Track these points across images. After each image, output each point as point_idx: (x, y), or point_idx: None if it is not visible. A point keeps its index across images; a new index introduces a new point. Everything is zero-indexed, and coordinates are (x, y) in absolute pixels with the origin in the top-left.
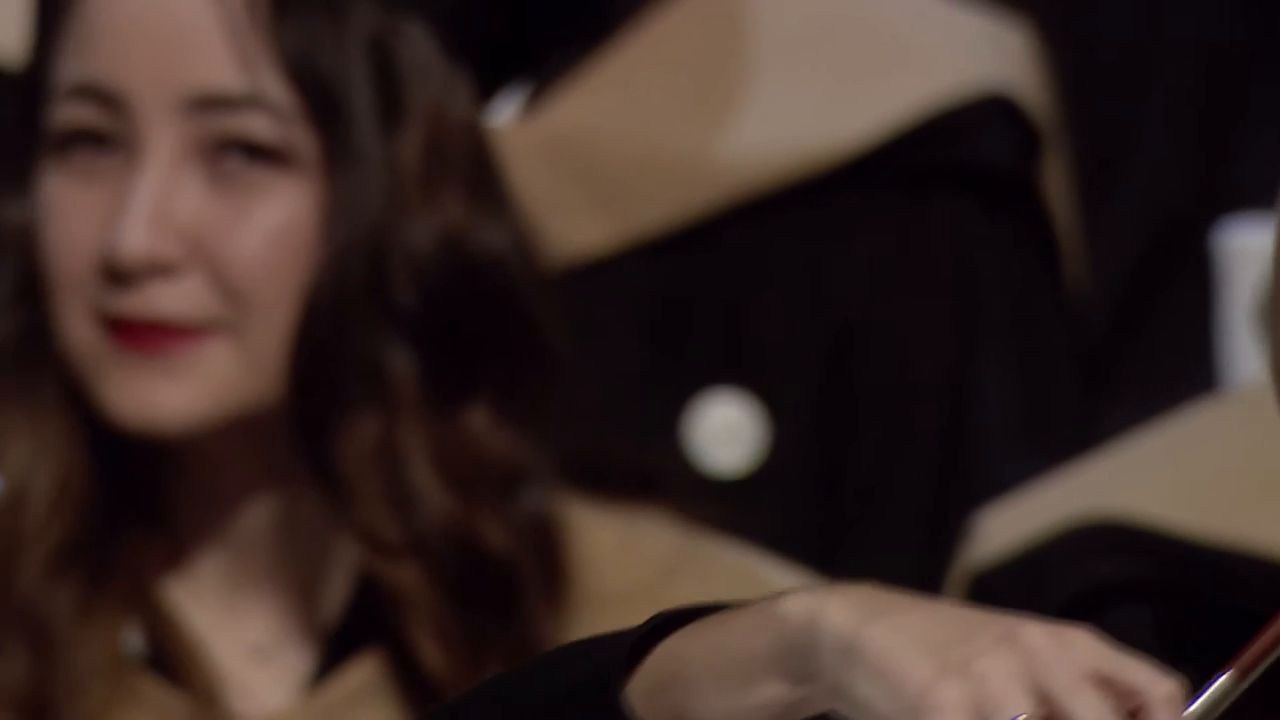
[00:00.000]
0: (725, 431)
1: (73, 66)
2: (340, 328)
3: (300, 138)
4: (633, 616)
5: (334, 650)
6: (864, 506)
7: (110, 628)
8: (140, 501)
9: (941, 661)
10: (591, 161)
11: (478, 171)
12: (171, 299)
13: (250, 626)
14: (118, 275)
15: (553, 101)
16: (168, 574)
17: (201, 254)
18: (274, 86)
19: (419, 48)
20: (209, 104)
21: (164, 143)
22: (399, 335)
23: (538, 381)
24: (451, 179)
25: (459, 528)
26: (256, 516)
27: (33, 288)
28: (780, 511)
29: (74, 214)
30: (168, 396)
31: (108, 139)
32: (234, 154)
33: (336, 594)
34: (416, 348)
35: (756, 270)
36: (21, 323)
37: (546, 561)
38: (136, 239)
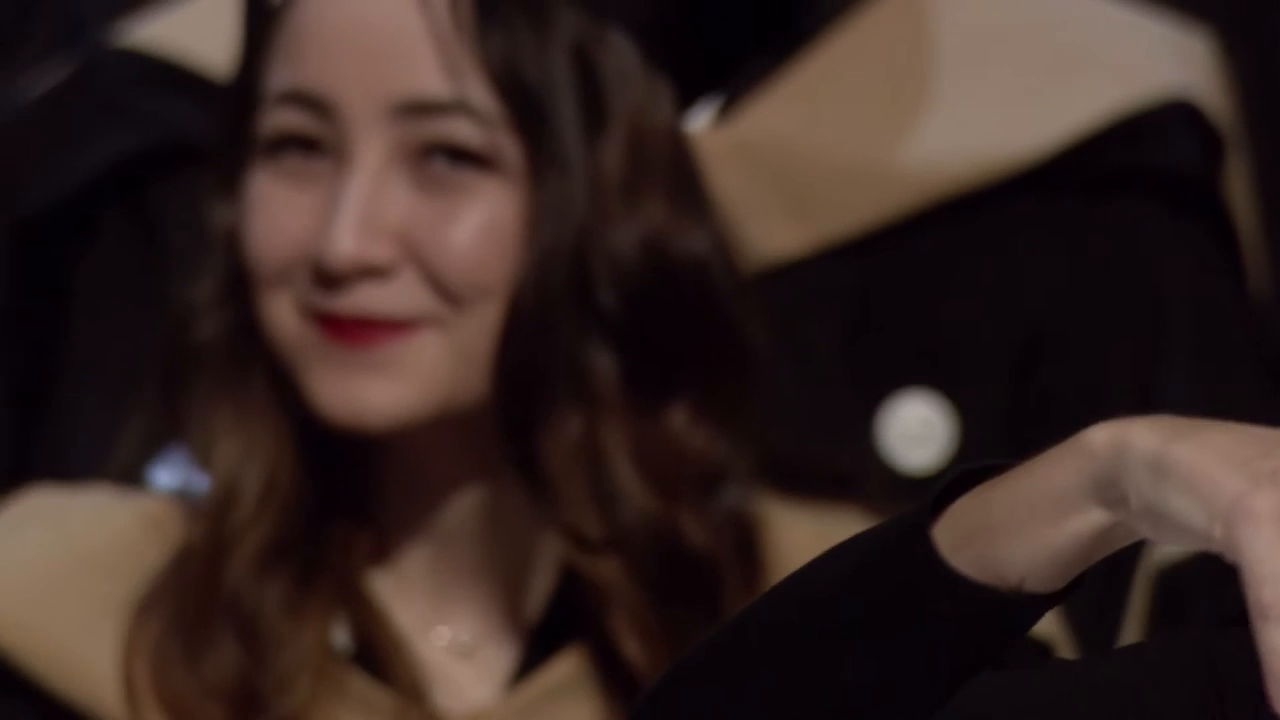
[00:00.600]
0: (916, 431)
1: (282, 74)
2: (545, 328)
3: (504, 143)
4: None
5: (537, 646)
6: None
7: (318, 623)
8: (347, 496)
9: (1252, 471)
10: (784, 167)
11: (678, 176)
12: (381, 298)
13: (455, 622)
14: (328, 277)
15: (746, 109)
16: (373, 569)
17: (411, 253)
18: (479, 93)
19: (621, 55)
20: (416, 110)
21: (372, 147)
22: (602, 336)
23: (736, 381)
24: (653, 184)
25: (660, 524)
26: (461, 512)
27: (239, 289)
28: None
29: (283, 213)
30: (377, 392)
31: (317, 143)
32: (439, 157)
33: (539, 589)
34: (619, 348)
35: (945, 273)
36: (229, 323)
37: (745, 557)
38: (347, 243)
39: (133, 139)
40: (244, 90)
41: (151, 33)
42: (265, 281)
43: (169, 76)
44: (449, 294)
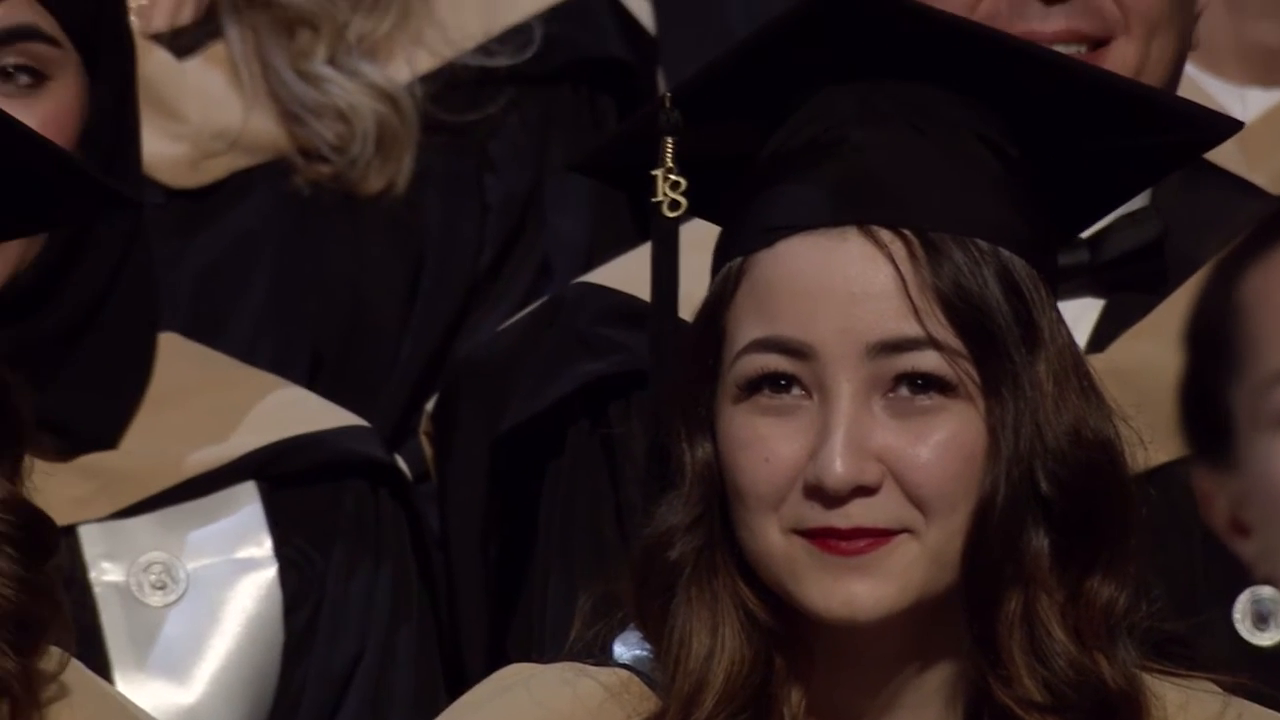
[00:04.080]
0: (1264, 615)
1: (758, 323)
2: (1007, 529)
3: (963, 368)
4: None
5: None
6: None
7: None
8: (784, 668)
9: None
10: (1148, 389)
11: (1079, 372)
12: (869, 511)
13: None
14: (825, 496)
15: (1117, 340)
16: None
17: (891, 472)
18: (939, 327)
19: (1027, 273)
20: (888, 349)
21: (850, 382)
22: (1038, 521)
23: (1131, 540)
24: (1069, 382)
25: (1088, 673)
26: (887, 674)
27: (711, 511)
28: None
29: (771, 447)
30: (865, 592)
31: (793, 381)
32: (905, 384)
33: None
34: (1050, 529)
35: None
36: (702, 541)
37: (1144, 707)
38: (843, 468)
39: (596, 366)
40: (713, 337)
41: (609, 273)
42: (761, 506)
43: (626, 312)
44: (923, 505)
